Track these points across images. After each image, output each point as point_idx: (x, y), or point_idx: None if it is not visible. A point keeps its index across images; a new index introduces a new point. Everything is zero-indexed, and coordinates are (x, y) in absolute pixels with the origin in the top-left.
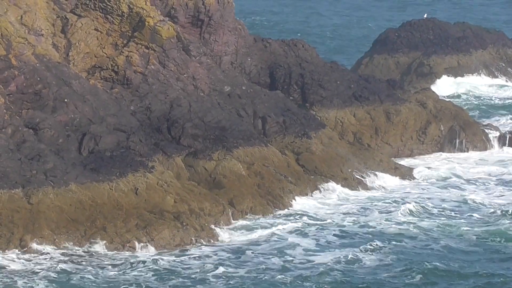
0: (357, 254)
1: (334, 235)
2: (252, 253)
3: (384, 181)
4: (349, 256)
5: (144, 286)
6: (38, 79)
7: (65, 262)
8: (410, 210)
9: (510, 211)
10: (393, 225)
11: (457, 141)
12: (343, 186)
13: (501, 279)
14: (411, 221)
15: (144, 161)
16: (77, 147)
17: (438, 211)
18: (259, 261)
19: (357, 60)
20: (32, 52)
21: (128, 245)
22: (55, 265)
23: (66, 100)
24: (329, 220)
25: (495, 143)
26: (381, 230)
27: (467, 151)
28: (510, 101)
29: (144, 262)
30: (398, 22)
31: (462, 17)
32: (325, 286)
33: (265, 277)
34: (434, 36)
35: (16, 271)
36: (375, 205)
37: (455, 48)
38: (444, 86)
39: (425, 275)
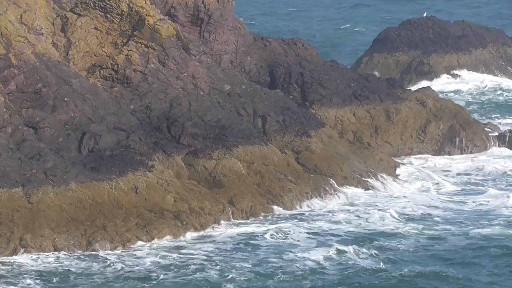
0: (348, 254)
1: (332, 234)
2: (251, 249)
3: (384, 181)
4: (342, 256)
5: (144, 285)
6: (38, 78)
7: (65, 261)
8: (403, 212)
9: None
10: (392, 226)
11: (457, 140)
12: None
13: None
14: (405, 222)
15: (144, 160)
16: (77, 146)
17: (430, 214)
18: (256, 258)
19: (356, 59)
20: (32, 51)
21: (128, 244)
22: (55, 265)
23: (66, 99)
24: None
25: (495, 142)
26: (380, 231)
27: (467, 150)
28: (510, 100)
29: (144, 261)
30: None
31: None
32: (316, 285)
33: (260, 274)
34: (434, 35)
35: (16, 270)
36: (375, 205)
37: (455, 47)
38: (444, 85)
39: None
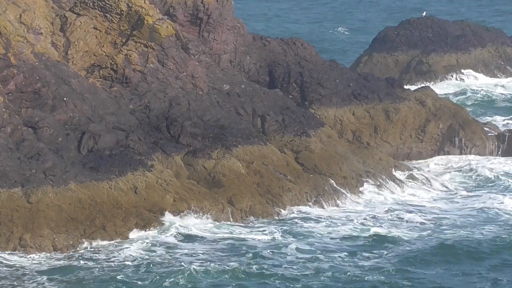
0: (350, 257)
1: (331, 238)
2: (247, 248)
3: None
4: (337, 259)
5: (144, 284)
6: (37, 77)
7: (64, 261)
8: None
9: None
10: (391, 227)
11: (457, 139)
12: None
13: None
14: (400, 223)
15: (143, 160)
16: (76, 146)
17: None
18: (254, 258)
19: (356, 58)
20: (31, 50)
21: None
22: (54, 264)
23: (65, 98)
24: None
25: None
26: (377, 233)
27: (467, 150)
28: (509, 99)
29: (143, 260)
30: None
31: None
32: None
33: (256, 273)
34: (433, 34)
35: (16, 270)
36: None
37: (454, 46)
38: (443, 84)
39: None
